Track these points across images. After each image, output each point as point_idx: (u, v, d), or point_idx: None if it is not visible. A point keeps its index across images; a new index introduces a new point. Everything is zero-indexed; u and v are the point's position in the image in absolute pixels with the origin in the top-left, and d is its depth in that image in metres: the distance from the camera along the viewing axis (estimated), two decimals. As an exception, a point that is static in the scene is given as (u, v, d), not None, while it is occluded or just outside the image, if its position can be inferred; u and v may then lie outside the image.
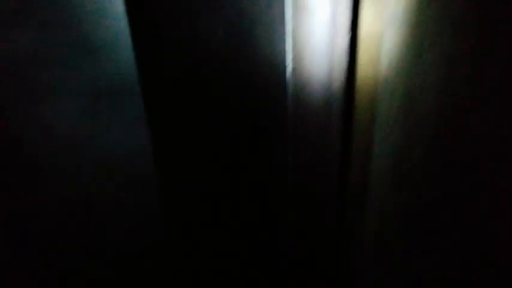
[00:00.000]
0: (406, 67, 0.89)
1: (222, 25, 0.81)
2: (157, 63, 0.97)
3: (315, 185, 0.95)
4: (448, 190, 1.19)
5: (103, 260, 1.08)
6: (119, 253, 1.09)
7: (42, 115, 0.87)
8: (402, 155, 1.01)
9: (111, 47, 0.89)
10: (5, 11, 0.78)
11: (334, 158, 0.93)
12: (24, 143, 0.88)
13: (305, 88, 0.84)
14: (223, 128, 0.95)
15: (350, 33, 0.80)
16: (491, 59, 1.04)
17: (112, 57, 0.89)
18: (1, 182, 0.89)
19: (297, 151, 0.90)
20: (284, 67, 0.80)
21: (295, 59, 0.79)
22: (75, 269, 1.06)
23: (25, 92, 0.84)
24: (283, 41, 0.77)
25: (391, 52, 0.84)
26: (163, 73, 0.96)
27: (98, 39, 0.87)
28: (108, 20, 0.87)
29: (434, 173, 1.12)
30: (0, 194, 0.90)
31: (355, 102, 0.86)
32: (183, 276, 1.20)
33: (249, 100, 0.89)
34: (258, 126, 0.91)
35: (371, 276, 1.15)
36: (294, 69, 0.80)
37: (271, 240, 1.04)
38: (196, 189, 1.08)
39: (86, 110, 0.91)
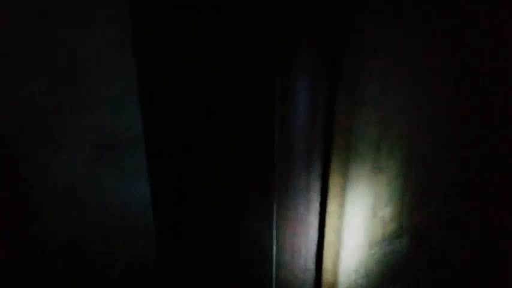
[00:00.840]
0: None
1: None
2: (163, 119, 1.11)
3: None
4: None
5: None
6: None
7: (49, 161, 0.92)
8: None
9: (118, 102, 0.96)
10: (27, 67, 0.86)
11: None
12: (29, 186, 0.93)
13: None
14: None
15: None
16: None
17: (118, 112, 0.97)
18: (3, 221, 0.93)
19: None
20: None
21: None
22: None
23: (36, 139, 0.91)
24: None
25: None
26: (168, 132, 1.11)
27: (106, 94, 0.95)
28: (117, 76, 0.95)
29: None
30: (1, 231, 0.94)
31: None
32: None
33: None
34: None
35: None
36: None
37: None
38: (193, 244, 1.29)
39: (90, 159, 0.96)
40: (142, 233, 1.09)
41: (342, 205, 1.00)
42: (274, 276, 1.13)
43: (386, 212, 1.15)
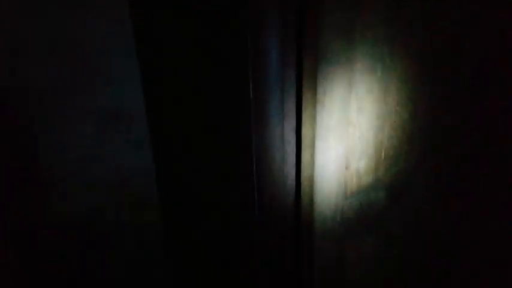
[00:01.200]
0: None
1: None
2: (161, 95, 1.26)
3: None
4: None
5: (103, 272, 1.17)
6: (118, 266, 1.18)
7: (59, 136, 0.99)
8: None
9: (121, 79, 1.04)
10: (37, 50, 0.94)
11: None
12: (41, 159, 0.99)
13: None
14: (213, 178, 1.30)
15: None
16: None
17: (121, 88, 1.05)
18: (16, 193, 0.99)
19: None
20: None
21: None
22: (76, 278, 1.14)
23: (48, 115, 0.98)
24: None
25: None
26: (166, 104, 1.24)
27: (109, 73, 1.02)
28: (119, 56, 1.04)
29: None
30: (13, 203, 0.99)
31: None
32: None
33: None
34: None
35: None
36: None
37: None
38: (193, 210, 1.43)
39: (97, 133, 1.04)
40: (148, 203, 1.18)
41: (313, 155, 1.10)
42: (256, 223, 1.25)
43: (360, 164, 1.25)
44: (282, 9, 0.94)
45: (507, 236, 1.83)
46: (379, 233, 1.48)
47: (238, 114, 1.08)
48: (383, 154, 1.30)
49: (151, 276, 1.26)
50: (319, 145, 1.10)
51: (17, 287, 1.05)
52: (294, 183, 1.21)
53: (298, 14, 0.93)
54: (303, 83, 1.01)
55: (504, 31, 1.37)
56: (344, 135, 1.14)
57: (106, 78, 1.06)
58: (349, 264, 1.47)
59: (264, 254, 1.28)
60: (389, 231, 1.51)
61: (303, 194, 1.20)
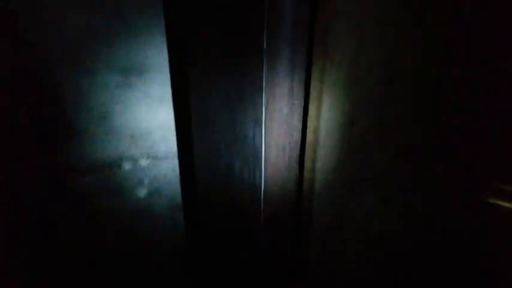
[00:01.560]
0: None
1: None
2: (185, 51, 1.32)
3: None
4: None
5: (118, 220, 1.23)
6: (133, 217, 1.25)
7: (84, 85, 1.04)
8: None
9: (147, 31, 1.08)
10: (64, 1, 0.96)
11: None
12: (64, 107, 1.03)
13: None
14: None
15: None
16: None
17: (146, 40, 1.08)
18: (39, 140, 1.03)
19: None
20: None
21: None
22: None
23: (74, 64, 1.02)
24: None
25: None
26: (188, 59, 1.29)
27: (136, 24, 1.06)
28: (145, 7, 1.06)
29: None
30: (37, 149, 1.03)
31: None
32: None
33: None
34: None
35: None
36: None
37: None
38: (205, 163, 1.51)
39: (119, 83, 1.08)
40: (165, 154, 1.23)
41: (319, 108, 1.15)
42: (263, 172, 1.32)
43: (366, 123, 1.30)
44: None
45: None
46: (380, 193, 1.54)
47: (252, 64, 1.13)
48: (390, 116, 1.34)
49: (167, 228, 1.34)
50: (326, 100, 1.14)
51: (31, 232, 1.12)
52: (300, 134, 1.26)
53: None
54: (314, 36, 1.05)
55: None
56: (351, 92, 1.18)
57: (131, 31, 1.07)
58: (347, 222, 1.54)
59: (269, 203, 1.36)
60: (389, 193, 1.56)
61: (307, 145, 1.25)
